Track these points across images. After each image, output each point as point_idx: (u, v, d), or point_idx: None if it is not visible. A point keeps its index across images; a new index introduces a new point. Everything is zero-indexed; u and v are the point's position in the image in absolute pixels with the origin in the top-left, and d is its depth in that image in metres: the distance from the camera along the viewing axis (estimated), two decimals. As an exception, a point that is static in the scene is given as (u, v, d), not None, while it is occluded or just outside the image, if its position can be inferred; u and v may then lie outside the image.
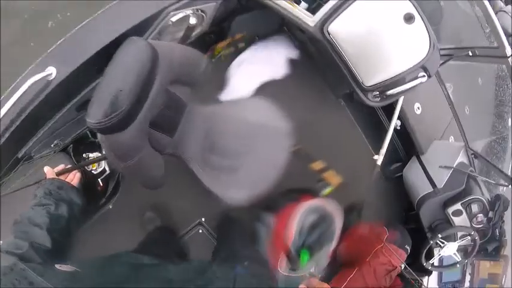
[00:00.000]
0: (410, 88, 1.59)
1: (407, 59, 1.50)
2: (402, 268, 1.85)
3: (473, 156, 2.05)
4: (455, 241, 1.87)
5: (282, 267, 1.38)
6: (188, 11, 1.44)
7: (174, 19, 1.39)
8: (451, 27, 1.99)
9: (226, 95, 1.87)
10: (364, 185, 1.95)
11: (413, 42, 1.48)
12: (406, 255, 1.86)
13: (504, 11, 2.28)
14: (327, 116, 2.17)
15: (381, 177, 2.23)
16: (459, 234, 1.89)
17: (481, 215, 1.91)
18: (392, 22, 1.45)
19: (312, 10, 1.53)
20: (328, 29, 1.49)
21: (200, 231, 2.02)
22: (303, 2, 1.56)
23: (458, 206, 1.87)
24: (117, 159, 1.10)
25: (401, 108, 1.89)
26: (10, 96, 1.14)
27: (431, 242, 1.83)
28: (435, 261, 1.91)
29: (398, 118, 1.95)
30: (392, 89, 1.60)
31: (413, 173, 2.13)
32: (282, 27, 2.10)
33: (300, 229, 1.40)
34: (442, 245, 1.86)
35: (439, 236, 1.82)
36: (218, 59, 1.92)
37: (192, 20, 1.48)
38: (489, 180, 1.95)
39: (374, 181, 1.93)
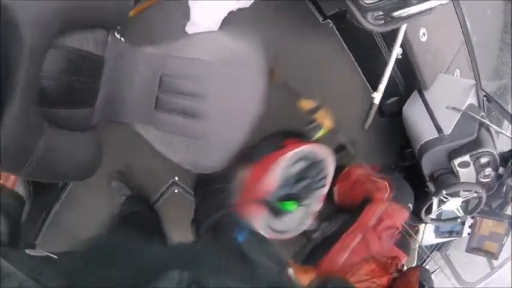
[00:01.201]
0: (427, 10, 1.22)
1: None
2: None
3: (485, 98, 1.71)
4: (459, 196, 1.66)
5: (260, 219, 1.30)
6: None
7: None
8: None
9: (189, 29, 1.49)
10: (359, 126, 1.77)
11: None
12: (408, 214, 1.67)
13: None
14: (312, 43, 1.75)
15: (376, 113, 1.95)
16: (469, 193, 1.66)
17: (490, 169, 1.65)
18: None
19: None
20: None
21: (176, 190, 1.83)
22: None
23: (466, 157, 1.60)
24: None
25: (405, 33, 1.54)
26: None
27: (435, 198, 1.63)
28: (434, 214, 1.74)
29: (400, 46, 1.61)
30: (401, 9, 1.19)
31: (415, 112, 1.82)
32: None
33: (285, 178, 1.33)
34: (444, 200, 1.66)
35: (444, 192, 1.59)
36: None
37: None
38: (503, 132, 1.65)
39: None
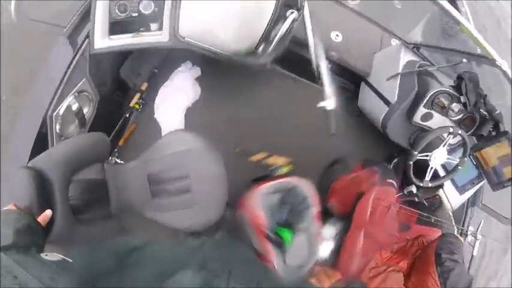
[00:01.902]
0: (288, 31, 1.51)
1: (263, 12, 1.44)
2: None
3: (415, 49, 1.82)
4: (438, 147, 1.67)
5: (274, 259, 1.39)
6: (68, 101, 1.56)
7: (61, 113, 1.53)
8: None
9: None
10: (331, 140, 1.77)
11: None
12: (395, 188, 1.72)
13: None
14: (258, 97, 2.11)
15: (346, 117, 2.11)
16: (445, 137, 1.68)
17: (454, 104, 1.70)
18: None
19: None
20: (181, 34, 1.50)
21: None
22: (152, 24, 1.57)
23: (422, 110, 1.68)
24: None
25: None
26: None
27: (410, 163, 1.65)
28: (429, 176, 1.72)
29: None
30: (272, 38, 1.52)
31: (367, 100, 1.98)
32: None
33: (268, 211, 1.47)
34: (428, 158, 1.68)
35: (415, 153, 1.63)
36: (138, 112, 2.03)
37: (74, 106, 1.59)
38: (441, 66, 1.71)
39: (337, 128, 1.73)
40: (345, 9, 1.95)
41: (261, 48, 1.58)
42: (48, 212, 1.10)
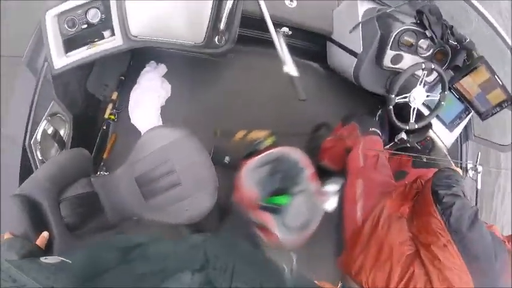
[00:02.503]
0: (234, 8, 1.51)
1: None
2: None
3: None
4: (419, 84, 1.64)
5: (273, 225, 1.40)
6: (42, 126, 1.58)
7: (38, 139, 1.55)
8: None
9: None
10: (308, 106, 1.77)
11: None
12: (380, 135, 1.70)
13: None
14: (228, 78, 2.13)
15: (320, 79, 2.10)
16: (420, 75, 1.64)
17: (422, 40, 1.67)
18: None
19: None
20: (133, 33, 1.50)
21: None
22: (104, 32, 1.57)
23: (390, 52, 1.65)
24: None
25: (273, 15, 1.69)
26: None
27: (390, 107, 1.62)
28: (413, 118, 1.69)
29: (280, 25, 1.82)
30: (222, 20, 1.51)
31: (334, 57, 1.95)
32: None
33: (259, 185, 1.48)
34: (407, 100, 1.66)
35: (392, 96, 1.60)
36: (115, 122, 2.04)
37: (50, 130, 1.61)
38: (397, 6, 1.67)
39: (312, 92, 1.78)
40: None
41: (218, 36, 1.57)
42: (45, 234, 1.14)
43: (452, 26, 1.66)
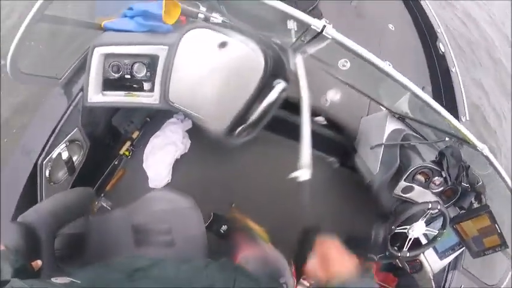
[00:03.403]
0: (276, 99, 1.51)
1: (244, 84, 1.46)
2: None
3: (401, 118, 1.84)
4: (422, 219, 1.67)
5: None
6: (58, 150, 1.62)
7: (51, 160, 1.59)
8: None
9: (152, 184, 2.06)
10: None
11: (245, 64, 1.43)
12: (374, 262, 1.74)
13: None
14: (242, 158, 2.18)
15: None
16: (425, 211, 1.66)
17: (436, 177, 1.72)
18: (211, 58, 1.43)
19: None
20: (170, 98, 1.55)
21: None
22: (145, 83, 1.62)
23: (403, 183, 1.70)
24: None
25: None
26: None
27: (388, 236, 1.65)
28: (407, 247, 1.71)
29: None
30: (252, 114, 1.54)
31: (358, 163, 1.98)
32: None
33: None
34: (406, 231, 1.69)
35: (393, 227, 1.63)
36: (128, 159, 2.08)
37: (64, 155, 1.65)
38: (424, 142, 1.74)
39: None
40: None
41: (240, 128, 1.59)
42: (39, 262, 1.11)
43: (469, 167, 1.72)
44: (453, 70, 2.44)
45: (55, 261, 1.37)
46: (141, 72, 1.58)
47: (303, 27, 1.37)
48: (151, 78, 1.59)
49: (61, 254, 1.42)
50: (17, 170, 1.58)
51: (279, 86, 1.49)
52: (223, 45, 1.40)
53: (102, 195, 1.97)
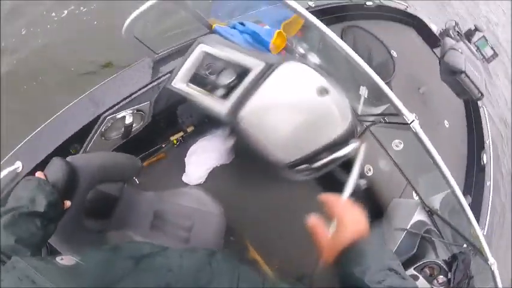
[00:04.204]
0: (345, 155, 1.53)
1: (326, 133, 1.49)
2: None
3: (429, 213, 1.98)
4: None
5: None
6: (124, 113, 1.71)
7: (114, 119, 1.67)
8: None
9: (185, 179, 2.13)
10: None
11: (330, 115, 1.44)
12: None
13: (454, 49, 2.31)
14: (273, 192, 2.17)
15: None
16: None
17: (442, 276, 1.82)
18: (305, 97, 1.43)
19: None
20: (241, 115, 1.51)
21: None
22: (221, 89, 1.60)
23: (411, 271, 1.79)
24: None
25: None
26: None
27: None
28: None
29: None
30: (318, 161, 1.58)
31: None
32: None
33: None
34: None
35: None
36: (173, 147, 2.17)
37: (128, 120, 1.73)
38: (444, 241, 1.86)
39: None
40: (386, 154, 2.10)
41: (303, 167, 1.61)
42: (68, 203, 1.15)
43: (472, 277, 1.80)
44: (487, 184, 2.57)
45: (81, 211, 1.40)
46: (227, 79, 1.59)
47: (388, 109, 1.45)
48: (231, 87, 1.58)
49: (90, 207, 1.44)
50: (77, 112, 1.65)
51: (353, 145, 1.53)
52: (324, 91, 1.41)
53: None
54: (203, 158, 2.10)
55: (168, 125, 2.11)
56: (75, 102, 1.66)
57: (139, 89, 1.73)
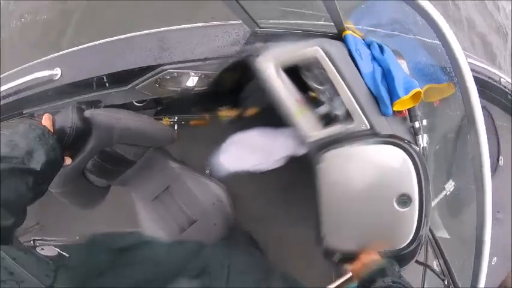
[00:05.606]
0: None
1: (384, 242, 1.21)
2: None
3: None
4: None
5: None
6: (193, 73, 1.48)
7: (170, 75, 1.47)
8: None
9: (213, 165, 1.68)
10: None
11: (398, 229, 1.17)
12: None
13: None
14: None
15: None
16: None
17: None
18: (384, 198, 1.15)
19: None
20: (324, 155, 1.24)
21: None
22: (323, 107, 1.27)
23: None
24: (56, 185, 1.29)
25: None
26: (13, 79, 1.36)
27: None
28: None
29: None
30: None
31: None
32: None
33: None
34: None
35: None
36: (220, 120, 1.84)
37: (191, 81, 1.50)
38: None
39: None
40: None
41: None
42: (69, 161, 1.01)
43: None
44: None
45: (82, 170, 1.35)
46: (340, 109, 1.23)
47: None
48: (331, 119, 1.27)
49: (96, 164, 1.38)
50: (140, 47, 1.43)
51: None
52: (405, 202, 1.12)
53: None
54: (244, 154, 1.62)
55: (227, 99, 1.78)
56: (144, 33, 1.42)
57: (217, 57, 1.44)
